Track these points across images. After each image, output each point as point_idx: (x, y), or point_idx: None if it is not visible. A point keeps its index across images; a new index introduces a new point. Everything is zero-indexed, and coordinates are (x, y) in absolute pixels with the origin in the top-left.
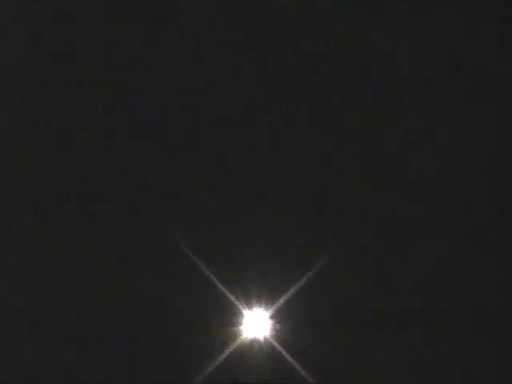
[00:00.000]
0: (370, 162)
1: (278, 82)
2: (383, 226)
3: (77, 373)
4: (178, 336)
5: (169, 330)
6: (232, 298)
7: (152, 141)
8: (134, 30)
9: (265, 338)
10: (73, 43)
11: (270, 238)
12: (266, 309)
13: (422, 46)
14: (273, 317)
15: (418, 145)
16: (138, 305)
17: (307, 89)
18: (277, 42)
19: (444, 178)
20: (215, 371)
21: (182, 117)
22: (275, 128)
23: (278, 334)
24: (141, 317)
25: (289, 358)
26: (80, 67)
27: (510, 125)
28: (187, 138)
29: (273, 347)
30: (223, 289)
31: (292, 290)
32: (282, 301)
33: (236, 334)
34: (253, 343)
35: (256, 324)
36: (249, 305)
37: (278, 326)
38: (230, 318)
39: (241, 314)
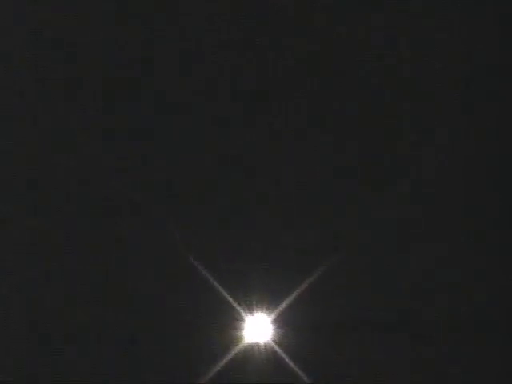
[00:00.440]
0: (370, 162)
1: (278, 82)
2: (383, 226)
3: (77, 373)
4: (177, 336)
5: (169, 330)
6: (234, 303)
7: (152, 141)
8: (133, 30)
9: (266, 342)
10: (73, 43)
11: (270, 238)
12: (268, 313)
13: (422, 46)
14: (274, 321)
15: (418, 145)
16: (137, 305)
17: (307, 89)
18: (277, 42)
19: (444, 177)
20: (217, 376)
21: (182, 117)
22: (275, 128)
23: (280, 339)
24: (141, 317)
25: (290, 362)
26: (80, 67)
27: (510, 125)
28: (187, 137)
29: (274, 352)
30: (223, 290)
31: (293, 295)
32: (283, 305)
33: (238, 339)
34: (254, 348)
35: (257, 328)
36: (250, 310)
37: (279, 330)
38: (232, 321)
39: (242, 318)
